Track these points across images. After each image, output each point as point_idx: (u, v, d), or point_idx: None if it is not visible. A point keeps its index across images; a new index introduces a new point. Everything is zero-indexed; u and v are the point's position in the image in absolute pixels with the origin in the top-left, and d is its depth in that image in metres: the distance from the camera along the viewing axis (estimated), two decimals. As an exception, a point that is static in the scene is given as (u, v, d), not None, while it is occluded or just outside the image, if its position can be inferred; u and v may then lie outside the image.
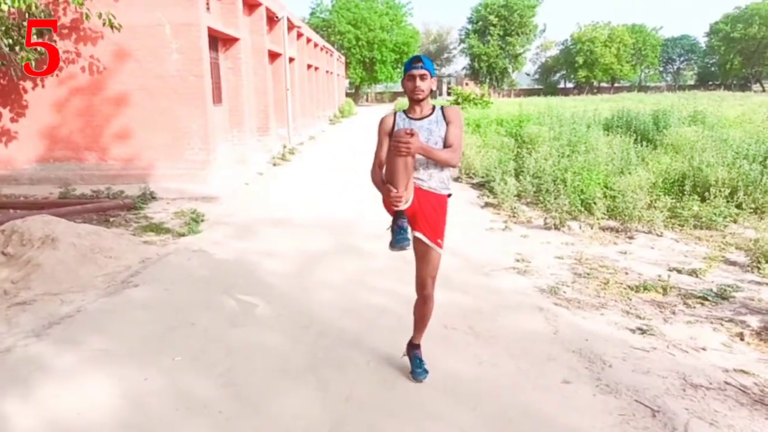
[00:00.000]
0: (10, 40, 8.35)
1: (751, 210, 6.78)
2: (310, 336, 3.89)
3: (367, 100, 69.12)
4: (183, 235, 6.67)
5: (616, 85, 72.42)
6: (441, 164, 2.96)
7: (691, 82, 77.49)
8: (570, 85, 75.77)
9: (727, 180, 7.14)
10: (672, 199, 7.09)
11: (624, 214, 6.49)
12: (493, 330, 3.93)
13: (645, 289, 4.59)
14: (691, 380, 3.19)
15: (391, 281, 4.89)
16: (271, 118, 15.21)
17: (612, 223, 6.70)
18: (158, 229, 6.93)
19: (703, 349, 3.59)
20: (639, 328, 3.87)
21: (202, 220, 7.38)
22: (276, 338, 3.87)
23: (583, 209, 7.06)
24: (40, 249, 5.18)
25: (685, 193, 7.19)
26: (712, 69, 74.10)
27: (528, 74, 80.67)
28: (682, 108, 13.97)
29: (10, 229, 5.49)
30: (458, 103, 23.91)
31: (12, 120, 9.76)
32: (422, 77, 2.93)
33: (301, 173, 12.16)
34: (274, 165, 13.25)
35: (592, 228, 6.50)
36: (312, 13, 54.70)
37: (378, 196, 2.99)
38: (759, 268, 4.99)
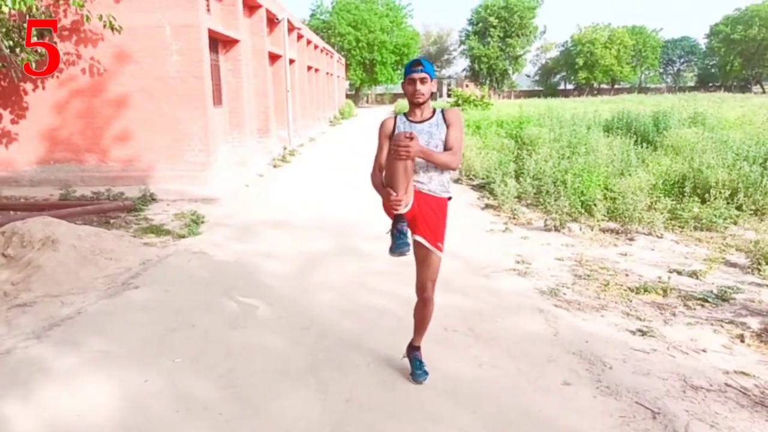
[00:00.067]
0: (11, 42, 8.36)
1: (752, 212, 6.77)
2: (310, 337, 3.89)
3: (367, 102, 69.17)
4: (183, 236, 6.67)
5: (616, 86, 72.46)
6: (441, 167, 2.96)
7: (692, 84, 77.48)
8: (570, 86, 75.81)
9: (727, 181, 7.14)
10: (672, 200, 7.09)
11: (624, 216, 6.49)
12: (494, 332, 3.92)
13: (645, 290, 4.59)
14: (692, 382, 3.19)
15: (391, 283, 4.89)
16: (271, 120, 15.22)
17: (612, 224, 6.70)
18: (158, 230, 6.93)
19: (704, 350, 3.58)
20: (639, 330, 3.86)
21: (203, 222, 7.39)
22: (276, 340, 3.87)
23: (583, 211, 7.06)
24: (40, 251, 5.19)
25: (686, 194, 7.19)
26: (713, 70, 74.14)
27: (528, 76, 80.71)
28: (682, 109, 13.97)
29: (11, 231, 5.49)
30: (458, 105, 23.91)
31: (12, 122, 9.77)
32: (422, 81, 2.93)
33: (302, 175, 12.16)
34: (275, 167, 13.26)
35: (592, 230, 6.50)
36: (312, 15, 54.77)
37: (378, 198, 2.99)
38: (759, 270, 4.98)
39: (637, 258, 5.55)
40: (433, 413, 2.94)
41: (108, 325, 4.15)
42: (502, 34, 63.79)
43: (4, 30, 8.23)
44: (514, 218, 7.32)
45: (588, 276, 5.01)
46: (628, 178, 7.56)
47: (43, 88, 9.59)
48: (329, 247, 6.25)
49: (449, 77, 69.31)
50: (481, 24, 65.03)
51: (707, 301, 4.34)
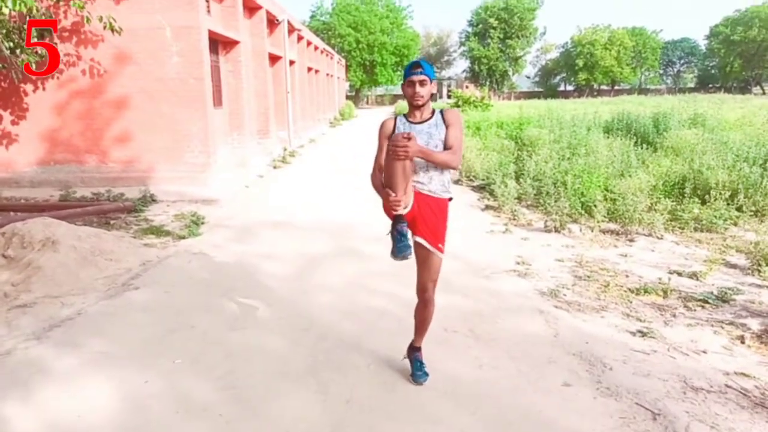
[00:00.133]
0: (11, 43, 8.37)
1: (752, 213, 6.77)
2: (310, 339, 3.89)
3: (367, 103, 69.21)
4: (183, 237, 6.67)
5: (616, 87, 72.54)
6: (441, 166, 2.96)
7: (691, 85, 77.54)
8: (570, 87, 75.88)
9: (727, 183, 7.14)
10: (672, 201, 7.09)
11: (624, 217, 6.49)
12: (494, 333, 3.92)
13: (645, 291, 4.59)
14: (692, 383, 3.18)
15: (391, 284, 4.89)
16: (271, 121, 15.23)
17: (612, 225, 6.70)
18: (158, 231, 6.93)
19: (704, 352, 3.58)
20: (639, 331, 3.86)
21: (202, 223, 7.39)
22: (276, 341, 3.87)
23: (583, 212, 7.06)
24: (40, 252, 5.19)
25: (686, 195, 7.19)
26: (712, 72, 74.19)
27: (528, 77, 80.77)
28: (682, 111, 13.99)
29: (11, 232, 5.49)
30: (458, 106, 23.92)
31: (13, 123, 9.78)
32: (422, 83, 2.93)
33: (302, 176, 12.17)
34: (275, 168, 13.26)
35: (592, 231, 6.50)
36: (312, 16, 54.81)
37: (378, 199, 2.99)
38: (759, 271, 4.98)
39: (637, 259, 5.55)
40: (433, 414, 2.94)
41: (108, 326, 4.15)
42: (502, 36, 63.83)
43: (4, 31, 8.24)
44: (514, 219, 7.32)
45: (588, 277, 5.01)
46: (628, 179, 7.56)
47: (44, 89, 9.60)
48: (329, 248, 6.25)
49: (449, 78, 69.36)
50: (481, 25, 65.07)
51: (707, 302, 4.34)
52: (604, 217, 6.73)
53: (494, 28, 63.50)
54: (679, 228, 6.53)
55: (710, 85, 71.02)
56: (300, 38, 21.24)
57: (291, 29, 18.67)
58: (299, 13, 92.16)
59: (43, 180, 9.79)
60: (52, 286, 4.80)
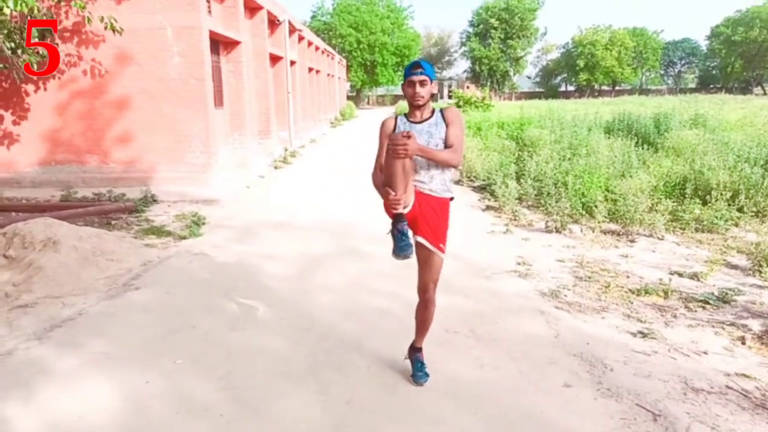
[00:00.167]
0: (12, 44, 8.37)
1: (753, 213, 6.77)
2: (310, 339, 3.89)
3: (368, 103, 69.22)
4: (184, 238, 6.68)
5: (617, 88, 72.53)
6: (442, 165, 2.95)
7: (693, 86, 77.51)
8: (571, 88, 75.86)
9: (728, 183, 7.14)
10: (673, 202, 7.09)
11: (625, 218, 6.49)
12: (495, 333, 3.92)
13: (646, 292, 4.59)
14: (693, 384, 3.18)
15: (393, 284, 4.89)
16: (272, 121, 15.23)
17: (613, 226, 6.69)
18: (159, 232, 6.94)
19: (705, 352, 3.58)
20: (640, 332, 3.86)
21: (203, 223, 7.39)
22: (277, 341, 3.87)
23: (584, 212, 7.06)
24: (41, 252, 5.19)
25: (687, 196, 7.19)
26: (713, 72, 74.16)
27: (529, 77, 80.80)
28: (683, 111, 13.98)
29: (12, 232, 5.50)
30: (459, 106, 23.92)
31: (14, 123, 9.79)
32: (422, 83, 2.93)
33: (303, 176, 12.17)
34: (276, 168, 13.27)
35: (593, 231, 6.50)
36: (313, 17, 54.82)
37: (380, 199, 2.99)
38: (760, 272, 4.98)
39: (638, 260, 5.55)
40: (434, 415, 2.94)
41: (109, 326, 4.15)
42: (503, 36, 63.86)
43: (5, 32, 8.24)
44: (515, 220, 7.32)
45: (589, 278, 5.01)
46: (629, 180, 7.56)
47: (45, 89, 9.61)
48: (330, 248, 6.25)
49: (450, 79, 69.40)
50: (482, 26, 65.11)
51: (708, 303, 4.34)
52: (605, 217, 6.73)
53: (495, 29, 63.53)
54: (680, 229, 6.53)
55: (711, 86, 71.01)
56: (301, 38, 21.25)
57: (292, 29, 18.67)
58: (300, 14, 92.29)
59: (44, 180, 9.79)
60: (53, 286, 4.80)
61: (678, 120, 12.37)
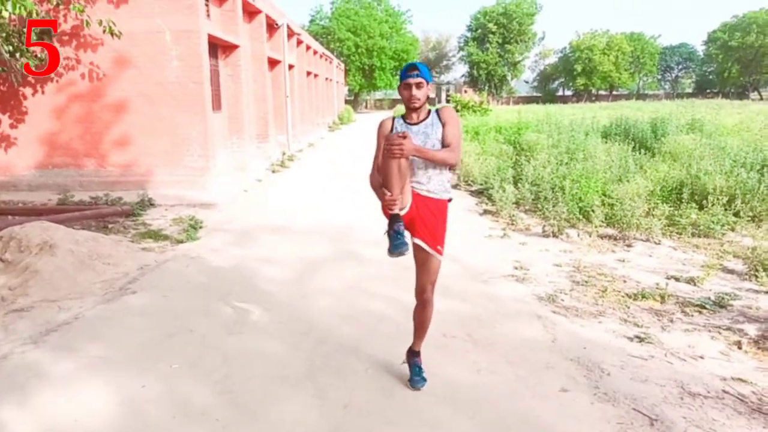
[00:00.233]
0: (11, 47, 8.38)
1: (749, 218, 6.79)
2: (308, 343, 3.88)
3: (366, 107, 69.36)
4: (181, 241, 6.67)
5: (614, 92, 72.81)
6: (439, 164, 2.95)
7: (689, 90, 77.92)
8: (568, 92, 76.18)
9: (725, 188, 7.16)
10: (670, 207, 7.11)
11: (622, 222, 6.51)
12: (492, 337, 3.93)
13: (643, 297, 4.60)
14: (689, 389, 3.19)
15: (391, 288, 4.89)
16: (270, 125, 15.24)
17: (610, 230, 6.71)
18: (156, 235, 6.93)
19: (701, 357, 3.59)
20: (637, 336, 3.87)
21: (201, 227, 7.38)
22: (274, 345, 3.86)
23: (581, 217, 7.07)
24: (38, 255, 5.18)
25: (683, 201, 7.20)
26: (710, 77, 74.54)
27: (527, 82, 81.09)
28: (680, 116, 14.03)
29: (8, 236, 5.48)
30: (457, 111, 23.97)
31: (11, 126, 9.78)
32: (418, 85, 2.94)
33: (300, 180, 12.17)
34: (273, 172, 13.27)
35: (590, 236, 6.51)
36: (312, 21, 54.98)
37: (377, 202, 3.00)
38: (757, 277, 4.99)
39: (634, 264, 5.56)
40: (431, 419, 2.94)
41: (105, 330, 4.14)
42: (500, 41, 64.12)
43: (4, 35, 8.25)
44: (512, 224, 7.33)
45: (586, 282, 5.01)
46: (626, 185, 7.58)
47: (43, 92, 9.60)
48: (328, 252, 6.25)
49: (448, 83, 69.56)
50: (480, 30, 65.37)
51: (705, 307, 4.35)
52: (602, 222, 6.74)
53: (493, 33, 63.80)
54: (677, 233, 6.54)
55: (708, 91, 71.39)
56: (299, 42, 21.29)
57: (290, 33, 18.72)
58: (299, 18, 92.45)
59: (41, 183, 9.78)
60: (49, 290, 4.79)
61: (675, 125, 12.41)
